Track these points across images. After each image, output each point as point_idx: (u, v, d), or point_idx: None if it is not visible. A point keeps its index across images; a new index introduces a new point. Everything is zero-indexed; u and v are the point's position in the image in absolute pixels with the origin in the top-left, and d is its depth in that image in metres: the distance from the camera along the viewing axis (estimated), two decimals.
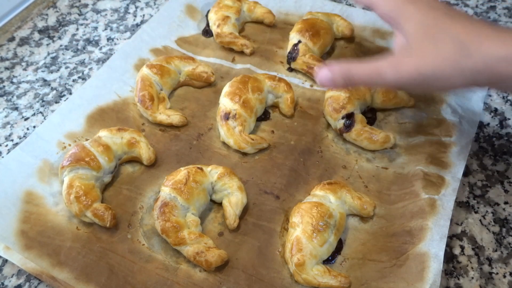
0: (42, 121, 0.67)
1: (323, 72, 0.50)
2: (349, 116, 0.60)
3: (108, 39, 0.81)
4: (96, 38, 0.81)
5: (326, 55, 0.74)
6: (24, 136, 0.67)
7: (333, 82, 0.50)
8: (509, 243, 0.53)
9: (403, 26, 0.48)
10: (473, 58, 0.43)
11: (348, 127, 0.60)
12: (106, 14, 0.86)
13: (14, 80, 0.75)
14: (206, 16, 0.79)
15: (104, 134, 0.59)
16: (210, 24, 0.77)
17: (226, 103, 0.62)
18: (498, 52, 0.42)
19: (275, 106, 0.68)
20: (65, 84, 0.74)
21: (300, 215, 0.51)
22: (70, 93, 0.72)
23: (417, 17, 0.47)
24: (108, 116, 0.66)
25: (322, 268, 0.49)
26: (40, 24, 0.84)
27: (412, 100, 0.64)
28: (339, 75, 0.50)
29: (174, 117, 0.64)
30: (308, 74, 0.70)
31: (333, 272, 0.49)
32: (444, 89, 0.52)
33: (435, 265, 0.48)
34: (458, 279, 0.50)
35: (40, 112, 0.70)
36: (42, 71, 0.76)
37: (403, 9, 0.48)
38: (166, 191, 0.53)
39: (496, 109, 0.66)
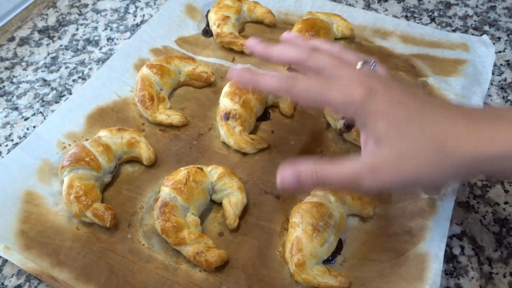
0: (42, 121, 0.67)
1: (286, 173, 0.43)
2: None
3: (108, 39, 0.81)
4: (96, 38, 0.81)
5: None
6: (24, 136, 0.67)
7: (299, 185, 0.44)
8: (509, 243, 0.53)
9: (371, 124, 0.42)
10: (453, 160, 0.39)
11: (348, 127, 0.60)
12: (106, 14, 0.86)
13: (14, 80, 0.75)
14: (206, 16, 0.79)
15: (104, 134, 0.59)
16: (210, 24, 0.77)
17: (226, 103, 0.62)
18: (476, 154, 0.38)
19: (275, 106, 0.68)
20: (65, 84, 0.74)
21: (300, 215, 0.51)
22: (70, 93, 0.72)
23: (384, 114, 0.41)
24: (108, 116, 0.66)
25: (322, 268, 0.49)
26: (40, 24, 0.84)
27: None
28: (308, 178, 0.43)
29: (174, 117, 0.64)
30: None
31: (333, 272, 0.49)
32: (429, 187, 0.49)
33: (435, 265, 0.48)
34: (458, 279, 0.50)
35: (40, 112, 0.70)
36: (42, 71, 0.76)
37: (367, 106, 0.41)
38: (166, 191, 0.53)
39: None
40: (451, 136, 0.39)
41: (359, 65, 0.46)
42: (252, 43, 0.53)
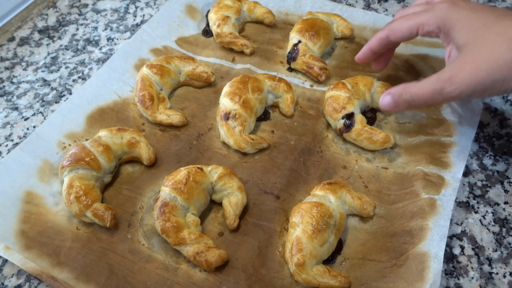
0: (42, 121, 0.67)
1: (385, 97, 0.53)
2: (349, 116, 0.60)
3: (108, 39, 0.81)
4: (96, 38, 0.81)
5: (326, 55, 0.74)
6: (24, 136, 0.67)
7: (395, 106, 0.52)
8: (509, 243, 0.53)
9: (451, 35, 0.49)
10: None
11: (348, 127, 0.60)
12: (106, 14, 0.86)
13: (14, 80, 0.75)
14: (206, 16, 0.79)
15: (104, 134, 0.59)
16: (210, 24, 0.77)
17: (226, 103, 0.62)
18: None
19: (275, 106, 0.68)
20: (65, 84, 0.74)
21: (300, 215, 0.51)
22: (70, 93, 0.72)
23: (462, 23, 0.47)
24: (108, 116, 0.66)
25: (322, 268, 0.49)
26: (40, 24, 0.84)
27: None
28: (400, 98, 0.51)
29: (174, 117, 0.64)
30: (308, 74, 0.70)
31: (333, 272, 0.49)
32: (506, 91, 0.51)
33: (435, 265, 0.48)
34: (458, 279, 0.50)
35: (40, 112, 0.70)
36: (42, 71, 0.76)
37: (447, 19, 0.49)
38: (166, 191, 0.53)
39: (496, 109, 0.66)
40: None
41: None
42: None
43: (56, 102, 0.71)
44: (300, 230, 0.50)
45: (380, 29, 0.75)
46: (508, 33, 0.44)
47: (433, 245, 0.49)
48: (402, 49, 0.73)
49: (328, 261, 0.51)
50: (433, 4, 0.53)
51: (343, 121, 0.61)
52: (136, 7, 0.87)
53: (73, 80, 0.74)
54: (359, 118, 0.61)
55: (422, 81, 0.49)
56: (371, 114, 0.65)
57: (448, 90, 0.47)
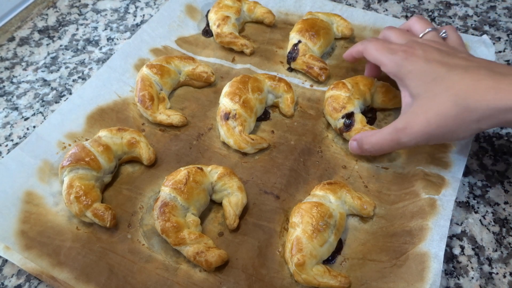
0: (42, 121, 0.67)
1: (352, 143, 0.58)
2: (349, 116, 0.60)
3: (108, 39, 0.81)
4: (96, 38, 0.81)
5: (326, 55, 0.74)
6: (24, 136, 0.67)
7: (361, 152, 0.57)
8: (509, 243, 0.53)
9: (405, 83, 0.52)
10: (476, 112, 0.44)
11: (348, 126, 0.60)
12: (106, 14, 0.86)
13: (14, 80, 0.75)
14: (206, 16, 0.79)
15: (104, 134, 0.59)
16: (210, 24, 0.77)
17: (226, 103, 0.62)
18: (499, 104, 0.43)
19: (275, 106, 0.68)
20: (65, 84, 0.74)
21: (300, 215, 0.51)
22: (70, 93, 0.72)
23: (415, 74, 0.50)
24: (108, 116, 0.66)
25: (322, 268, 0.49)
26: (40, 24, 0.84)
27: None
28: (362, 147, 0.56)
29: (174, 117, 0.64)
30: (308, 74, 0.70)
31: (333, 272, 0.49)
32: (456, 140, 0.55)
33: (435, 265, 0.48)
34: (458, 279, 0.50)
35: (40, 112, 0.70)
36: (42, 71, 0.76)
37: (402, 67, 0.51)
38: (166, 191, 0.53)
39: None
40: (473, 92, 0.44)
41: (425, 31, 0.56)
42: None
43: (56, 102, 0.71)
44: (300, 230, 0.50)
45: (380, 29, 0.76)
46: (455, 88, 0.46)
47: (433, 245, 0.49)
48: None
49: (328, 261, 0.51)
50: (396, 48, 0.55)
51: (343, 120, 0.61)
52: (136, 7, 0.87)
53: (73, 80, 0.74)
54: (359, 118, 0.61)
55: (381, 131, 0.53)
56: (371, 114, 0.65)
57: (404, 140, 0.50)
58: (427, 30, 0.56)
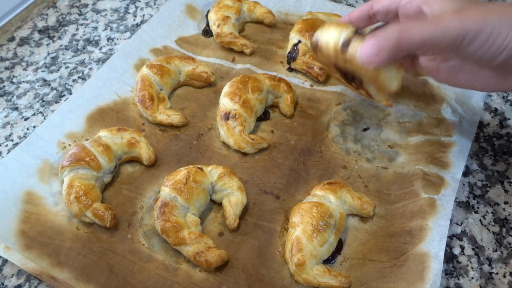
0: (42, 121, 0.67)
1: (366, 47, 0.45)
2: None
3: (108, 39, 0.81)
4: (96, 38, 0.81)
5: None
6: (24, 136, 0.67)
7: (378, 56, 0.45)
8: (509, 243, 0.53)
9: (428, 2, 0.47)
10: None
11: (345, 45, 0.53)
12: (106, 14, 0.86)
13: (14, 80, 0.75)
14: (206, 16, 0.79)
15: (104, 134, 0.59)
16: (210, 24, 0.77)
17: (226, 103, 0.62)
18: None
19: (275, 106, 0.68)
20: (65, 84, 0.74)
21: (300, 215, 0.51)
22: (70, 93, 0.72)
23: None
24: (108, 116, 0.66)
25: (322, 268, 0.49)
26: (40, 24, 0.84)
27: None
28: (386, 46, 0.45)
29: (174, 117, 0.64)
30: (308, 74, 0.70)
31: (333, 272, 0.49)
32: (486, 57, 0.46)
33: (435, 265, 0.48)
34: (458, 279, 0.50)
35: (40, 112, 0.70)
36: (42, 71, 0.76)
37: None
38: (166, 191, 0.53)
39: (496, 109, 0.66)
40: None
41: None
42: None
43: (56, 102, 0.71)
44: (300, 230, 0.50)
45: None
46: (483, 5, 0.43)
47: (433, 245, 0.49)
48: None
49: (328, 261, 0.51)
50: None
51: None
52: (136, 7, 0.87)
53: (73, 80, 0.74)
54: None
55: (417, 23, 0.45)
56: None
57: (441, 29, 0.43)
58: None
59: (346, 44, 0.49)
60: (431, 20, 0.44)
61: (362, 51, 0.46)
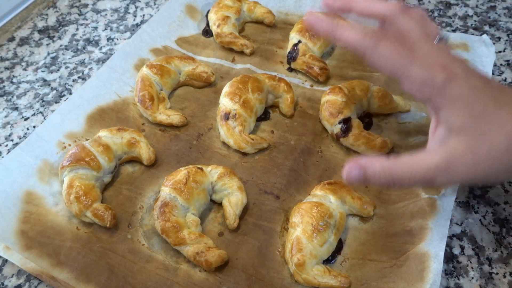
0: (42, 121, 0.67)
1: (353, 170, 0.43)
2: (346, 121, 0.60)
3: (108, 39, 0.81)
4: (96, 38, 0.81)
5: (326, 55, 0.74)
6: (24, 136, 0.67)
7: (365, 181, 0.43)
8: (509, 243, 0.52)
9: (447, 110, 0.41)
10: None
11: (345, 132, 0.60)
12: (106, 14, 0.86)
13: (14, 80, 0.75)
14: (206, 16, 0.79)
15: (104, 134, 0.59)
16: (210, 24, 0.77)
17: (226, 103, 0.62)
18: None
19: (275, 106, 0.68)
20: (65, 84, 0.74)
21: (300, 215, 0.51)
22: (70, 93, 0.72)
23: (461, 102, 0.40)
24: (108, 116, 0.66)
25: (322, 268, 0.49)
26: (40, 24, 0.84)
27: (408, 105, 0.64)
28: (377, 175, 0.42)
29: (174, 117, 0.64)
30: (308, 74, 0.70)
31: (333, 272, 0.49)
32: (494, 182, 0.49)
33: (435, 265, 0.48)
34: (458, 279, 0.50)
35: (40, 112, 0.70)
36: (42, 71, 0.76)
37: (443, 92, 0.40)
38: (166, 191, 0.53)
39: None
40: None
41: (436, 40, 0.44)
42: (316, 18, 0.48)
43: (56, 102, 0.71)
44: (300, 230, 0.50)
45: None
46: (506, 129, 0.39)
47: (433, 245, 0.49)
48: None
49: (328, 261, 0.51)
50: (429, 59, 0.42)
51: (340, 126, 0.60)
52: (136, 7, 0.87)
53: (73, 80, 0.74)
54: (356, 123, 0.60)
55: (408, 160, 0.42)
56: (367, 119, 0.65)
57: (440, 180, 0.41)
58: (441, 35, 0.45)
59: (338, 138, 0.60)
60: (434, 167, 0.40)
61: (348, 175, 0.44)
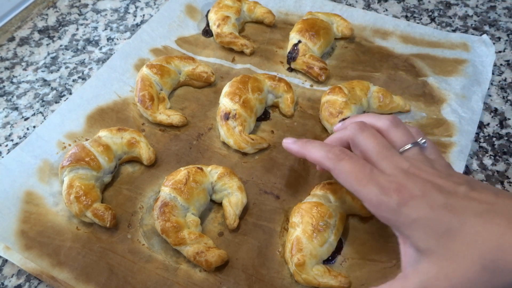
0: (42, 121, 0.67)
1: None
2: None
3: (108, 39, 0.81)
4: (96, 38, 0.81)
5: (326, 55, 0.74)
6: (24, 136, 0.67)
7: None
8: None
9: (406, 233, 0.40)
10: (506, 276, 0.36)
11: None
12: (106, 14, 0.86)
13: (14, 80, 0.75)
14: (206, 16, 0.79)
15: (104, 134, 0.59)
16: (210, 24, 0.77)
17: (226, 103, 0.62)
18: None
19: (275, 106, 0.68)
20: (65, 84, 0.74)
21: (300, 215, 0.51)
22: (70, 93, 0.72)
23: (420, 224, 0.39)
24: (108, 116, 0.66)
25: (322, 268, 0.49)
26: (40, 24, 0.84)
27: (408, 105, 0.64)
28: None
29: (174, 117, 0.64)
30: (308, 74, 0.70)
31: (333, 272, 0.49)
32: None
33: None
34: None
35: (40, 112, 0.70)
36: (42, 71, 0.76)
37: (400, 215, 0.39)
38: (166, 191, 0.53)
39: (496, 109, 0.66)
40: (501, 251, 0.35)
41: (406, 147, 0.44)
42: (289, 142, 0.52)
43: (56, 102, 0.71)
44: (300, 230, 0.50)
45: (380, 29, 0.76)
46: (477, 247, 0.36)
47: None
48: (402, 49, 0.73)
49: (328, 261, 0.51)
50: (384, 182, 0.41)
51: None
52: (136, 7, 0.87)
53: (73, 80, 0.74)
54: None
55: None
56: None
57: None
58: (409, 145, 0.44)
59: None
60: None
61: None
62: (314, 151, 0.47)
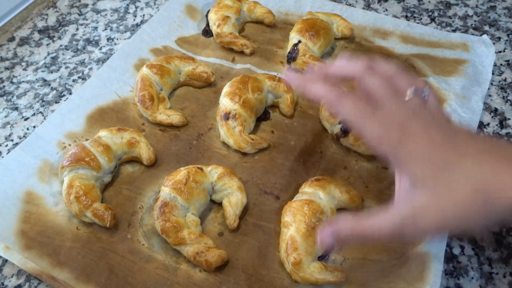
0: (42, 121, 0.67)
1: (325, 235, 0.43)
2: None
3: (108, 39, 0.81)
4: (96, 38, 0.81)
5: (326, 55, 0.75)
6: (24, 136, 0.67)
7: (338, 245, 0.47)
8: (509, 243, 0.52)
9: (404, 167, 0.42)
10: (496, 205, 0.38)
11: (345, 132, 0.60)
12: (106, 14, 0.86)
13: (14, 80, 0.75)
14: (206, 16, 0.79)
15: (104, 134, 0.59)
16: (210, 24, 0.77)
17: (226, 103, 0.62)
18: None
19: (275, 106, 0.68)
20: (65, 84, 0.74)
21: (292, 213, 0.51)
22: (70, 93, 0.72)
23: (419, 158, 0.41)
24: (108, 116, 0.66)
25: (318, 264, 0.49)
26: (40, 24, 0.84)
27: None
28: (348, 237, 0.43)
29: (174, 117, 0.64)
30: None
31: (329, 267, 0.49)
32: (472, 229, 0.48)
33: (435, 265, 0.48)
34: (458, 279, 0.50)
35: (40, 112, 0.70)
36: (42, 71, 0.76)
37: (400, 149, 0.41)
38: (166, 191, 0.53)
39: (496, 109, 0.66)
40: (493, 181, 0.37)
41: (409, 94, 0.45)
42: (292, 76, 0.51)
43: (56, 102, 0.71)
44: (293, 229, 0.50)
45: (380, 29, 0.76)
46: (470, 179, 0.39)
47: (433, 245, 0.49)
48: (402, 49, 0.73)
49: (322, 257, 0.51)
50: (387, 119, 0.43)
51: (339, 126, 0.60)
52: (136, 7, 0.87)
53: (73, 80, 0.74)
54: None
55: (376, 218, 0.42)
56: None
57: (409, 233, 0.41)
58: (413, 89, 0.45)
59: (338, 138, 0.61)
60: (400, 222, 0.40)
61: (321, 243, 0.46)
62: (315, 88, 0.47)
